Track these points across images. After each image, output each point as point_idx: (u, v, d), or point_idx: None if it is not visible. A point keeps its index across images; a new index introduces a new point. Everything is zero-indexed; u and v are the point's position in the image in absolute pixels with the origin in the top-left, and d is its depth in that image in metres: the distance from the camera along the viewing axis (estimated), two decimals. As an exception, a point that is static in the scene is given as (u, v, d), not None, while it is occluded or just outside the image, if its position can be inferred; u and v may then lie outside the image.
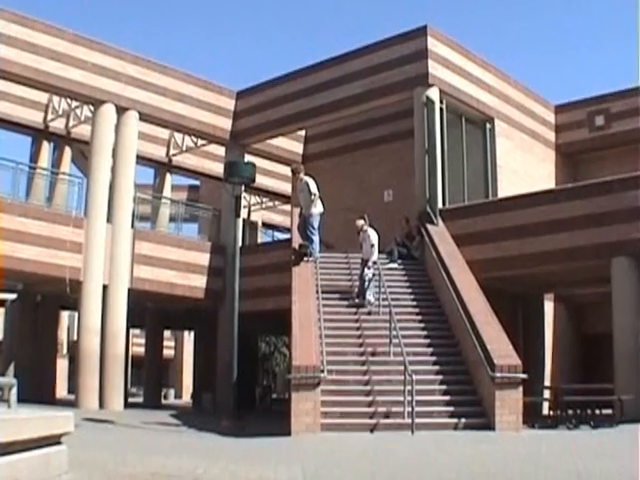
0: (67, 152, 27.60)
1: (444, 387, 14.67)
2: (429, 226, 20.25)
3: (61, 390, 33.72)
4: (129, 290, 22.67)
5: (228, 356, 17.06)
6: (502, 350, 14.23)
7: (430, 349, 15.92)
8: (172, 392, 47.57)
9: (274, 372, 46.08)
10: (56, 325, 28.85)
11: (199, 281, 24.86)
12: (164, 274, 23.85)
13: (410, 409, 13.25)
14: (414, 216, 21.08)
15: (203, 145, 28.65)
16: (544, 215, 19.28)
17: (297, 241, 19.37)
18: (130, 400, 29.42)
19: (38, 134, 26.83)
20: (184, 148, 29.56)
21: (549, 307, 24.89)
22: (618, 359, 17.71)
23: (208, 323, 27.20)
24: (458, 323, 16.10)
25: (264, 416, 21.84)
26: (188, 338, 46.36)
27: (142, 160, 27.00)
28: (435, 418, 13.77)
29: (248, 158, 25.20)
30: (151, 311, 30.19)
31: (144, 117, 24.03)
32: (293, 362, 13.84)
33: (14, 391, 7.66)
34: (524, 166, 24.77)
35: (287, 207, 31.09)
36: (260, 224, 35.89)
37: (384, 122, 25.41)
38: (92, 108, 23.46)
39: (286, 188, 30.19)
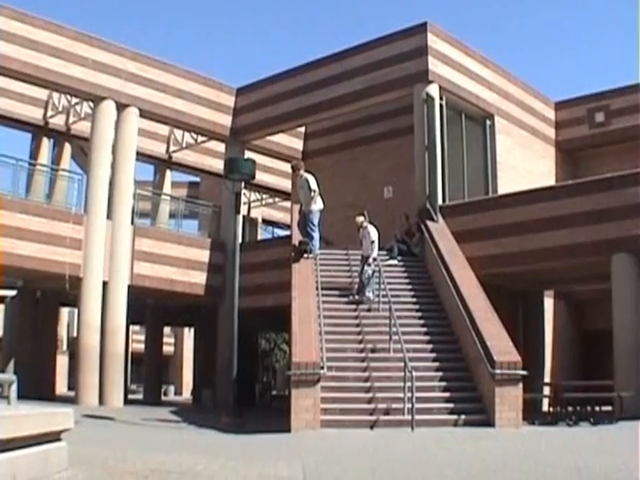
0: (67, 149, 27.61)
1: (444, 384, 14.67)
2: (429, 223, 20.25)
3: (61, 387, 33.73)
4: (129, 287, 22.67)
5: (228, 353, 17.07)
6: (502, 347, 14.23)
7: (430, 346, 15.92)
8: (172, 389, 47.57)
9: (274, 369, 46.10)
10: (56, 322, 28.88)
11: (199, 278, 24.87)
12: (164, 271, 23.85)
13: (410, 406, 13.26)
14: (414, 213, 21.07)
15: (203, 142, 28.64)
16: (544, 212, 19.27)
17: (297, 238, 19.37)
18: (130, 397, 29.47)
19: (38, 131, 26.83)
20: (184, 145, 29.55)
21: (549, 304, 24.90)
22: (618, 356, 17.71)
23: (208, 320, 27.21)
24: (458, 320, 16.10)
25: (264, 413, 21.85)
26: (188, 335, 46.40)
27: (142, 157, 27.00)
28: (435, 415, 13.77)
29: (248, 155, 25.21)
30: (151, 307, 30.20)
31: (144, 114, 24.02)
32: (293, 359, 13.85)
33: (14, 388, 7.64)
34: (524, 163, 24.77)
35: (287, 204, 31.07)
36: (260, 221, 35.90)
37: (384, 119, 25.40)
38: (92, 105, 23.45)
39: (286, 185, 30.20)
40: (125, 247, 22.78)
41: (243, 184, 18.35)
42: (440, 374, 14.95)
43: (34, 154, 26.85)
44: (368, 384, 14.60)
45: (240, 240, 19.54)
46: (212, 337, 26.10)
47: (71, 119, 26.93)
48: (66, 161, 27.56)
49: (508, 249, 19.64)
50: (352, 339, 16.10)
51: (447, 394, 14.40)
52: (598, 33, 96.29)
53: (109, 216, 22.42)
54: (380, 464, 8.92)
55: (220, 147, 27.67)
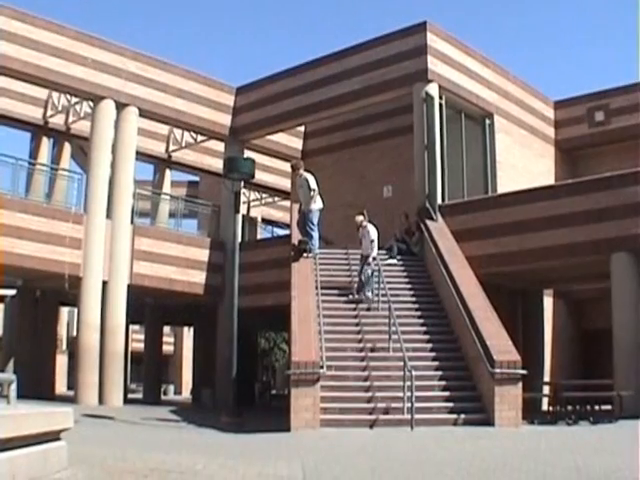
0: (67, 148, 27.60)
1: (443, 383, 14.67)
2: (428, 222, 20.25)
3: (60, 386, 33.73)
4: (128, 286, 22.68)
5: (227, 352, 17.08)
6: (502, 346, 14.23)
7: (429, 345, 15.92)
8: (171, 388, 47.59)
9: (273, 368, 46.09)
10: (56, 321, 28.88)
11: (198, 277, 24.87)
12: (164, 270, 23.85)
13: (409, 405, 13.26)
14: (413, 212, 21.07)
15: (202, 141, 28.64)
16: (543, 211, 19.28)
17: (296, 237, 19.37)
18: (129, 396, 29.47)
19: (38, 130, 26.82)
20: (183, 144, 29.55)
21: (548, 303, 24.90)
22: (617, 355, 17.72)
23: (208, 319, 27.22)
24: (457, 319, 16.10)
25: (263, 412, 21.86)
26: (187, 334, 46.40)
27: (142, 156, 26.98)
28: (434, 414, 13.78)
29: (247, 154, 25.16)
30: (150, 307, 30.21)
31: (144, 113, 24.02)
32: (292, 358, 13.85)
33: (13, 387, 7.64)
34: (523, 162, 24.78)
35: (286, 203, 31.08)
36: (259, 220, 35.89)
37: (383, 118, 25.40)
38: (92, 104, 23.44)
39: (285, 184, 30.20)
40: (125, 246, 22.78)
41: (242, 183, 18.34)
42: (440, 373, 14.96)
43: (34, 153, 26.85)
44: (367, 383, 14.60)
45: (240, 239, 19.56)
46: (212, 336, 26.10)
47: (71, 118, 26.92)
48: (66, 160, 27.56)
49: (507, 248, 19.64)
50: (351, 338, 16.11)
51: (447, 393, 14.41)
52: (598, 32, 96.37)
53: (109, 215, 22.42)
54: (380, 463, 8.93)
55: (220, 146, 27.66)
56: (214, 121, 25.88)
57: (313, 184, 18.51)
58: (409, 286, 18.63)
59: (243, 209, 28.61)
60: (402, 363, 13.74)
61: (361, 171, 25.81)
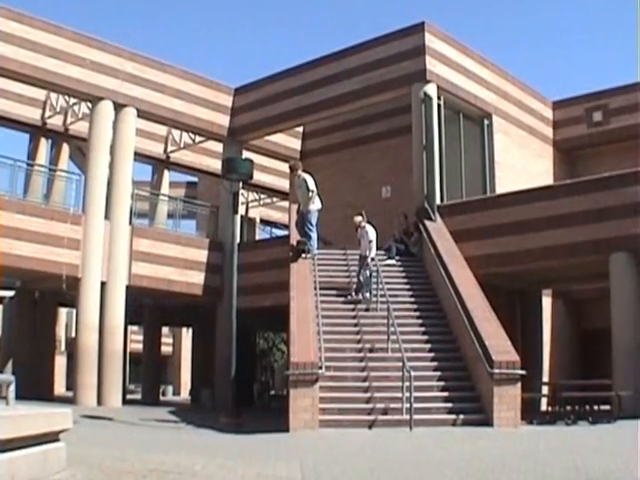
0: (65, 149, 27.57)
1: (442, 383, 14.67)
2: (427, 222, 20.25)
3: (59, 387, 33.72)
4: (127, 287, 22.66)
5: (226, 352, 17.07)
6: (500, 346, 14.23)
7: (428, 345, 15.92)
8: (170, 389, 47.57)
9: (272, 368, 46.07)
10: (54, 322, 28.84)
11: (197, 278, 24.86)
12: (162, 271, 23.84)
13: (408, 405, 13.26)
14: (412, 212, 21.08)
15: (201, 142, 28.61)
16: (542, 211, 19.28)
17: (295, 238, 19.37)
18: (128, 397, 29.42)
19: (36, 131, 26.79)
20: (182, 145, 29.52)
21: (547, 303, 24.92)
22: (616, 355, 17.72)
23: (206, 319, 27.21)
24: (456, 319, 16.10)
25: (262, 412, 21.86)
26: (186, 334, 46.35)
27: (140, 157, 26.94)
28: (433, 414, 13.77)
29: (246, 154, 25.20)
30: (149, 308, 30.20)
31: (142, 114, 24.00)
32: (291, 358, 13.85)
33: (12, 388, 7.65)
34: (522, 162, 24.79)
35: (285, 204, 31.07)
36: (258, 221, 35.86)
37: (382, 118, 25.41)
38: (90, 105, 23.42)
39: (284, 185, 30.19)
40: (123, 247, 22.77)
41: (241, 184, 18.35)
42: (438, 374, 14.96)
43: (32, 154, 26.82)
44: (366, 384, 14.60)
45: (238, 240, 19.55)
46: (210, 337, 26.10)
47: (69, 119, 26.89)
48: (64, 161, 27.53)
49: (506, 248, 19.64)
50: (350, 339, 16.10)
51: (445, 394, 14.40)
52: (596, 32, 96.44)
53: (107, 216, 22.41)
54: (378, 464, 8.93)
55: (218, 147, 27.65)
56: (212, 122, 25.87)
57: (312, 185, 18.50)
58: (408, 287, 18.63)
59: (242, 210, 28.58)
60: (401, 363, 13.74)
61: (360, 171, 25.81)
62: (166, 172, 31.07)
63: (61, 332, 36.31)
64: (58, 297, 26.10)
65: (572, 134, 26.80)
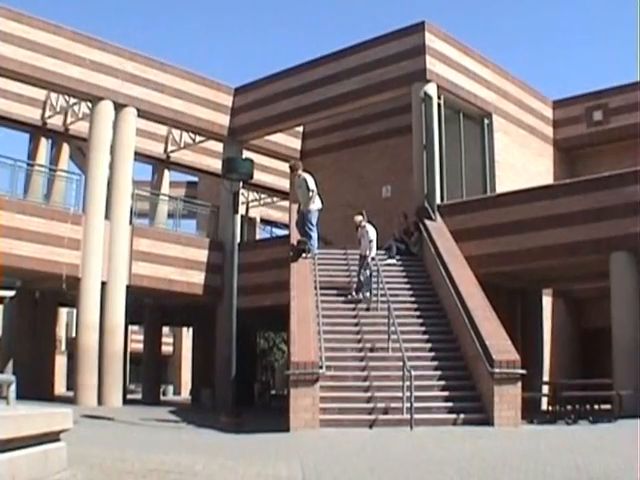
0: (65, 149, 27.57)
1: (443, 383, 14.67)
2: (427, 222, 20.25)
3: (60, 387, 33.71)
4: (127, 287, 22.66)
5: (227, 352, 17.07)
6: (501, 345, 14.23)
7: (429, 345, 15.92)
8: (171, 388, 47.55)
9: (273, 368, 46.08)
10: (55, 322, 28.84)
11: (197, 277, 24.86)
12: (162, 270, 23.84)
13: (409, 405, 13.26)
14: (412, 212, 21.08)
15: (201, 141, 28.62)
16: (542, 210, 19.28)
17: (295, 237, 19.37)
18: (129, 397, 29.43)
19: (36, 131, 26.78)
20: (182, 144, 29.52)
21: (548, 302, 24.92)
22: (617, 354, 17.72)
23: (207, 319, 27.21)
24: (457, 318, 16.10)
25: (263, 412, 21.85)
26: (187, 334, 46.34)
27: (140, 157, 26.95)
28: (434, 414, 13.77)
29: (246, 154, 25.19)
30: (150, 307, 30.19)
31: (142, 114, 24.00)
32: (292, 358, 13.84)
33: (13, 388, 7.64)
34: (522, 161, 24.79)
35: (285, 203, 31.08)
36: (258, 220, 35.86)
37: (382, 118, 25.41)
38: (90, 105, 23.42)
39: (284, 184, 30.19)
40: (123, 247, 22.77)
41: (241, 184, 18.34)
42: (439, 373, 14.96)
43: (32, 154, 26.81)
44: (367, 383, 14.60)
45: (238, 240, 19.55)
46: (211, 337, 26.10)
47: (69, 119, 26.89)
48: (64, 161, 27.53)
49: (506, 248, 19.64)
50: (351, 338, 16.10)
51: (446, 393, 14.40)
52: (596, 32, 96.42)
53: (107, 216, 22.41)
54: (379, 463, 8.92)
55: (218, 147, 27.65)
56: (212, 121, 25.87)
57: (312, 184, 18.50)
58: (408, 286, 18.63)
59: (242, 209, 28.57)
60: (401, 363, 13.73)
61: (360, 171, 25.82)
62: (166, 172, 31.07)
63: (61, 332, 36.30)
64: (58, 297, 26.09)
65: (572, 133, 26.80)
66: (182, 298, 26.02)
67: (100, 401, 21.24)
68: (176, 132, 29.04)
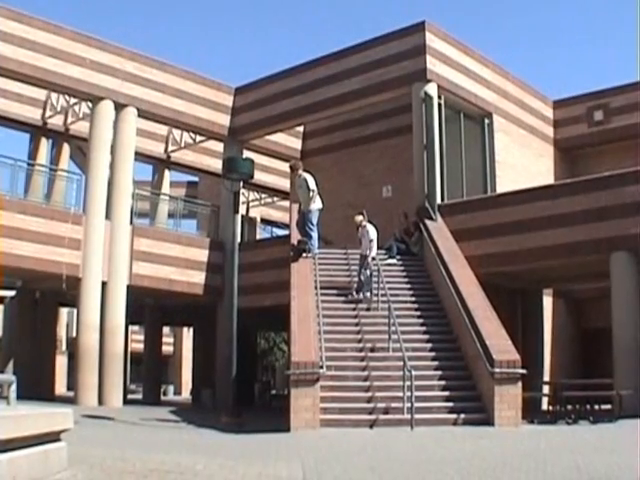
0: (65, 149, 27.59)
1: (443, 383, 14.66)
2: (428, 222, 20.25)
3: (60, 387, 33.73)
4: (128, 286, 22.66)
5: (227, 352, 17.07)
6: (501, 345, 14.23)
7: (429, 345, 15.92)
8: (171, 388, 47.58)
9: (273, 368, 46.10)
10: (55, 322, 28.86)
11: (198, 277, 24.87)
12: (163, 270, 23.84)
13: (409, 405, 13.25)
14: (413, 212, 21.07)
15: (201, 141, 28.63)
16: (543, 210, 19.28)
17: (296, 237, 19.36)
18: (129, 397, 29.46)
19: (36, 131, 26.80)
20: (182, 144, 29.54)
21: (548, 302, 24.90)
22: (617, 354, 17.72)
23: (207, 319, 27.21)
24: (457, 318, 16.10)
25: (263, 412, 21.85)
26: (187, 334, 46.39)
27: (140, 157, 26.97)
28: (434, 414, 13.77)
29: (246, 154, 25.16)
30: (150, 307, 30.20)
31: (142, 113, 24.01)
32: (292, 358, 13.84)
33: (13, 388, 7.65)
34: (522, 161, 24.78)
35: (286, 203, 31.08)
36: (259, 220, 35.88)
37: (382, 118, 25.40)
38: (90, 105, 23.42)
39: (285, 184, 30.20)
40: (124, 247, 22.77)
41: (242, 184, 18.32)
42: (439, 373, 14.95)
43: (33, 154, 26.83)
44: (367, 383, 14.59)
45: (239, 239, 19.55)
46: (211, 337, 26.10)
47: (69, 119, 26.90)
48: (65, 161, 27.55)
49: (507, 248, 19.64)
50: (351, 338, 16.10)
51: (446, 393, 14.40)
52: (597, 31, 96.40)
53: (108, 216, 22.41)
54: (380, 463, 8.92)
55: (219, 147, 27.66)
56: (213, 121, 25.88)
57: (312, 184, 18.50)
58: (408, 286, 18.63)
59: (242, 209, 28.59)
60: (402, 363, 13.73)
61: (360, 171, 25.82)
62: (167, 172, 31.08)
63: (62, 332, 36.35)
64: (59, 297, 26.10)
65: (573, 133, 26.78)
66: (182, 298, 26.02)
67: (101, 401, 21.24)
68: (176, 132, 29.05)
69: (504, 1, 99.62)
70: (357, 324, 16.71)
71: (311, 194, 18.45)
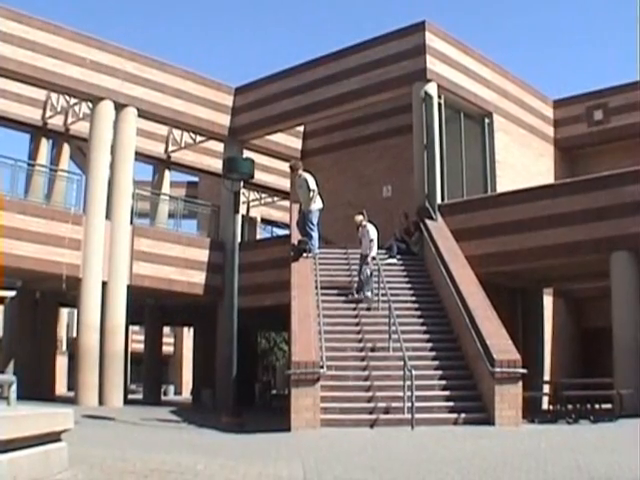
0: (66, 149, 27.58)
1: (444, 382, 14.66)
2: (428, 221, 20.25)
3: (61, 387, 33.73)
4: (128, 287, 22.66)
5: (227, 352, 17.07)
6: (501, 345, 14.23)
7: (429, 344, 15.91)
8: (172, 388, 47.57)
9: (274, 368, 46.08)
10: (55, 322, 28.87)
11: (198, 277, 24.86)
12: (163, 270, 23.84)
13: (410, 404, 13.25)
14: (413, 211, 21.07)
15: (202, 141, 28.63)
16: (543, 210, 19.28)
17: (296, 237, 19.36)
18: (130, 397, 29.45)
19: (37, 131, 26.80)
20: (182, 144, 29.54)
21: (548, 301, 24.91)
22: (617, 353, 17.72)
23: (207, 319, 27.21)
24: (457, 318, 16.09)
25: (264, 412, 21.85)
26: (187, 334, 46.39)
27: (141, 157, 26.97)
28: (435, 413, 13.77)
29: (247, 154, 25.15)
30: (150, 307, 30.20)
31: (142, 114, 24.00)
32: (292, 358, 13.84)
33: (14, 388, 7.67)
34: (522, 161, 24.78)
35: (286, 203, 31.08)
36: (259, 220, 35.88)
37: (383, 118, 25.40)
38: (90, 105, 23.42)
39: (285, 184, 30.20)
40: (124, 247, 22.77)
41: (242, 183, 18.32)
42: (440, 373, 14.95)
43: (33, 155, 26.82)
44: (368, 383, 14.59)
45: (239, 239, 19.54)
46: (211, 336, 26.10)
47: (70, 119, 26.90)
48: (65, 161, 27.54)
49: (507, 247, 19.64)
50: (352, 338, 16.10)
51: (447, 393, 14.40)
52: (597, 31, 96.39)
53: (108, 216, 22.41)
54: (380, 463, 8.92)
55: (219, 147, 27.66)
56: (213, 121, 25.88)
57: (312, 184, 18.50)
58: (409, 286, 18.63)
59: (242, 209, 28.57)
60: (402, 363, 13.72)
61: (360, 171, 25.81)
62: (167, 172, 31.08)
63: (62, 332, 36.38)
64: (59, 297, 26.10)
65: (573, 133, 26.78)
66: (183, 298, 26.02)
67: (101, 401, 21.24)
68: (177, 132, 29.05)
69: (504, 1, 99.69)
70: (357, 324, 16.71)
71: (311, 194, 18.46)
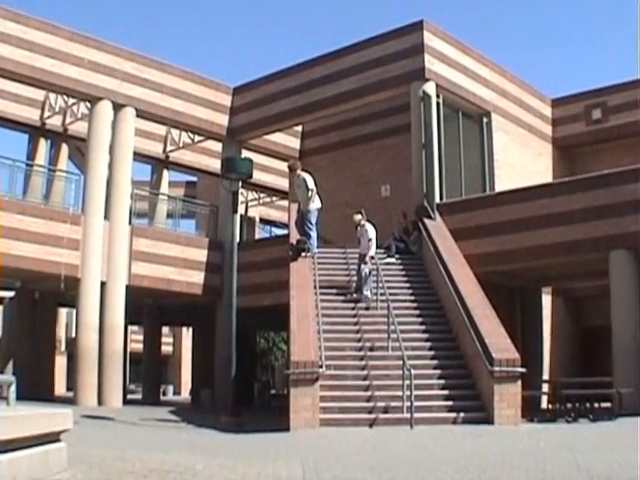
0: (64, 149, 27.54)
1: (443, 381, 14.67)
2: (426, 221, 20.25)
3: (60, 387, 33.68)
4: (127, 287, 22.64)
5: (226, 352, 17.06)
6: (500, 344, 14.23)
7: (428, 344, 15.92)
8: (171, 388, 47.57)
9: (273, 368, 46.04)
10: (54, 322, 28.83)
11: (197, 277, 24.85)
12: (162, 270, 23.82)
13: (409, 404, 13.25)
14: (411, 211, 21.08)
15: (200, 141, 28.60)
16: (542, 209, 19.28)
17: (295, 237, 19.36)
18: (129, 397, 29.42)
19: (35, 131, 26.76)
20: (181, 144, 29.50)
21: (547, 300, 24.92)
22: (617, 352, 17.72)
23: (206, 319, 27.19)
24: (456, 317, 16.10)
25: (263, 412, 21.84)
26: (186, 334, 46.35)
27: (139, 157, 26.92)
28: (434, 412, 13.78)
29: (245, 154, 25.15)
30: (149, 307, 30.16)
31: (141, 114, 23.98)
32: (291, 358, 13.84)
33: (13, 388, 7.65)
34: (521, 160, 24.78)
35: (284, 203, 31.05)
36: (258, 220, 35.85)
37: (381, 117, 25.41)
38: (89, 105, 23.40)
39: (283, 184, 30.18)
40: (123, 247, 22.75)
41: (240, 183, 18.31)
42: (439, 372, 14.96)
43: (31, 155, 26.78)
44: (367, 382, 14.59)
45: (238, 239, 19.53)
46: (210, 336, 26.09)
47: (68, 120, 26.87)
48: (63, 162, 27.50)
49: (506, 246, 19.64)
50: (350, 338, 16.10)
51: (446, 392, 14.40)
52: (595, 30, 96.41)
53: (106, 216, 22.39)
54: (379, 462, 8.92)
55: (217, 146, 27.63)
56: (211, 121, 25.86)
57: (311, 184, 18.49)
58: (407, 285, 18.63)
59: (241, 209, 28.59)
60: (401, 362, 13.72)
61: (359, 170, 25.81)
62: (165, 172, 31.05)
63: (61, 332, 36.28)
64: (58, 297, 26.06)
65: (571, 132, 26.78)
66: (182, 298, 26.00)
67: (100, 401, 21.22)
68: (175, 132, 29.02)
69: (502, 0, 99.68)
70: (356, 323, 16.71)
71: (310, 194, 18.45)
